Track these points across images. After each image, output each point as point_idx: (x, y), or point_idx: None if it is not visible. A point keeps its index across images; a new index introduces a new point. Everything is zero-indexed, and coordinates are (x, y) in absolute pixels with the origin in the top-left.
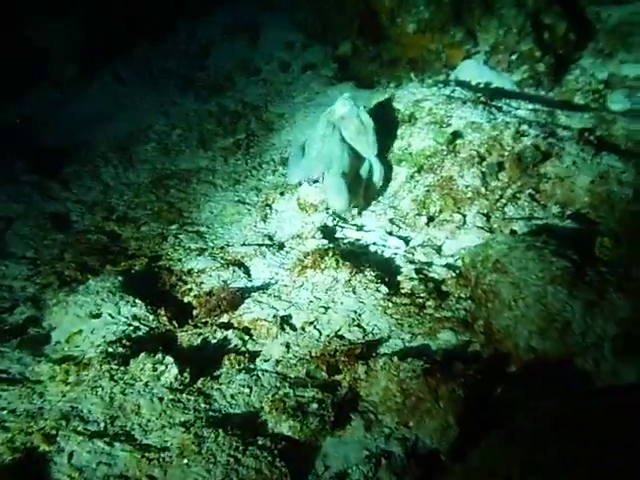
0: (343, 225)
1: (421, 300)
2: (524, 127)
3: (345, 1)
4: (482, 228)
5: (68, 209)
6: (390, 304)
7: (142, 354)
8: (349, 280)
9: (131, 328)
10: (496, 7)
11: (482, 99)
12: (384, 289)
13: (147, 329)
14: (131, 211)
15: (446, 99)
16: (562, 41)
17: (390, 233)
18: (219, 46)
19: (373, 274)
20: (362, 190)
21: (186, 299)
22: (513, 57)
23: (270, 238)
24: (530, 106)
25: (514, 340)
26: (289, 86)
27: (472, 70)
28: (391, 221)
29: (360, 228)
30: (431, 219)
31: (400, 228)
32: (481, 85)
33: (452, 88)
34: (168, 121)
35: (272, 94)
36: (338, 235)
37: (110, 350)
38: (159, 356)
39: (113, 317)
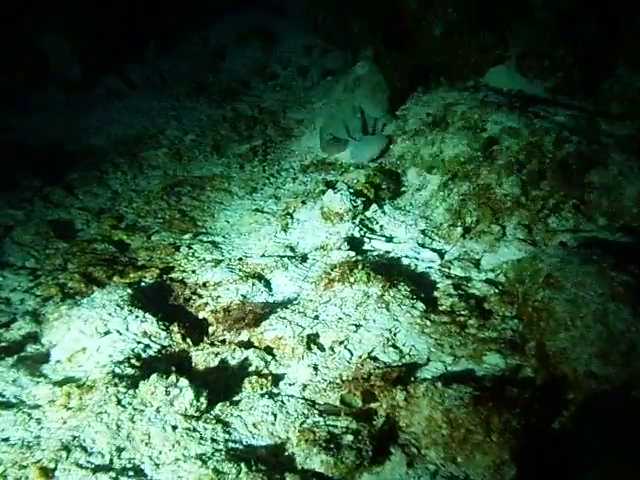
0: (371, 236)
1: (462, 318)
2: (565, 133)
3: (366, 4)
4: (524, 240)
5: (73, 216)
6: (428, 322)
7: (153, 376)
8: (382, 295)
9: (141, 346)
10: (528, 10)
11: (517, 104)
12: (421, 306)
13: (159, 347)
14: (141, 219)
15: (479, 103)
16: (596, 47)
17: (422, 245)
18: (233, 51)
19: (408, 289)
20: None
21: (201, 314)
22: (546, 63)
23: (292, 249)
24: (568, 112)
25: (572, 365)
26: (308, 92)
27: (502, 76)
28: (423, 232)
29: (390, 239)
30: (467, 230)
31: (433, 240)
32: (513, 90)
33: (484, 92)
34: (180, 126)
35: (290, 100)
36: (366, 247)
37: (117, 371)
38: (172, 378)
39: (121, 333)
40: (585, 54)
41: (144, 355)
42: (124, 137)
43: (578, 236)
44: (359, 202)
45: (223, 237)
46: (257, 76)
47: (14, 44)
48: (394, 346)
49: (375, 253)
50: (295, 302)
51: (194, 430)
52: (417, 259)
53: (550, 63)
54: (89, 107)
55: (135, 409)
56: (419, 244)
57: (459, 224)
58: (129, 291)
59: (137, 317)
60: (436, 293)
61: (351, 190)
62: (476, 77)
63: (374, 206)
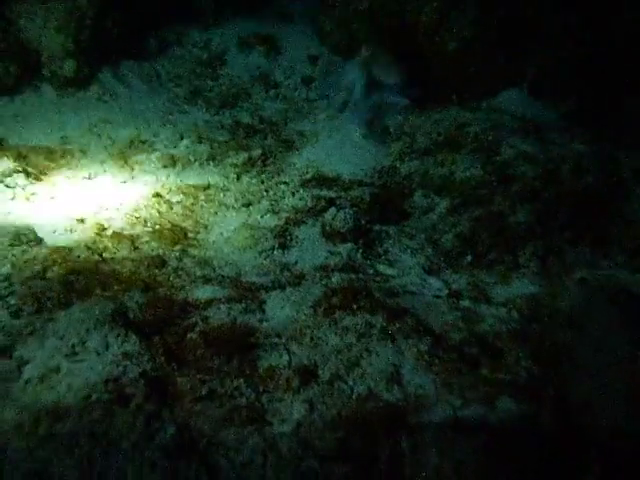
0: (375, 259)
1: (472, 356)
2: (584, 163)
3: (376, 14)
4: (538, 274)
5: (56, 221)
6: (436, 359)
7: (132, 404)
8: (386, 326)
9: (120, 369)
10: (544, 34)
11: (532, 128)
12: (428, 340)
13: (140, 371)
14: (129, 227)
15: (493, 125)
16: (611, 74)
17: (429, 272)
18: (234, 56)
19: (414, 321)
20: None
21: (189, 335)
22: (559, 88)
23: (289, 268)
24: (584, 140)
25: (595, 417)
26: (311, 103)
27: (515, 98)
28: (430, 258)
29: (395, 264)
30: (478, 259)
31: (441, 267)
32: (526, 115)
33: (498, 115)
34: (176, 130)
35: (292, 110)
36: (369, 271)
37: (93, 396)
38: (152, 408)
39: (99, 353)
40: (600, 80)
41: (123, 380)
42: (116, 139)
43: (596, 273)
44: (363, 222)
45: (216, 251)
46: (259, 84)
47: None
48: (399, 383)
49: (379, 278)
50: (292, 328)
51: (175, 470)
52: (424, 287)
53: (564, 88)
54: (82, 106)
55: (110, 443)
56: (426, 271)
57: (469, 252)
58: (111, 306)
59: (118, 336)
60: (444, 327)
61: (355, 208)
62: (488, 98)
63: (379, 227)
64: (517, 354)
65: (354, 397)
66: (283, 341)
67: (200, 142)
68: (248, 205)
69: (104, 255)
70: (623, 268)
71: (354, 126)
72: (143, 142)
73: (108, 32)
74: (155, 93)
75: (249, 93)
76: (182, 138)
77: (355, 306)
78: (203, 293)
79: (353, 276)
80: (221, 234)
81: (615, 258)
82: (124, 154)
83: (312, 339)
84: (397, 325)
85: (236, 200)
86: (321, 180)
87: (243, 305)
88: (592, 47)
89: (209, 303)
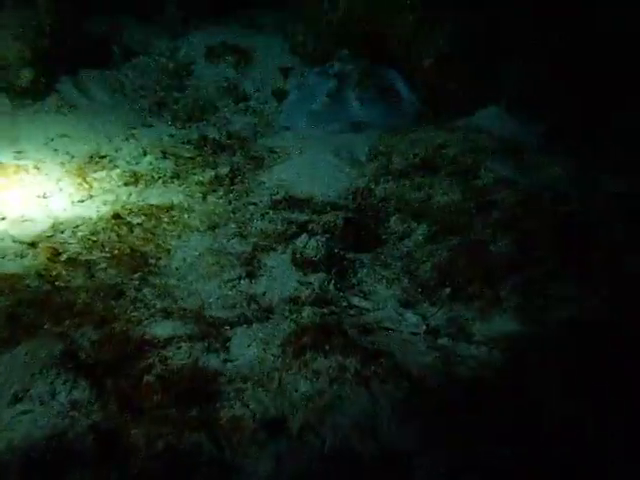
0: (348, 291)
1: (452, 404)
2: (564, 188)
3: (350, 25)
4: (519, 309)
5: (4, 244)
6: (414, 406)
7: (78, 465)
8: (361, 370)
9: (67, 422)
10: (522, 48)
11: (512, 151)
12: (405, 386)
13: (89, 423)
14: (85, 252)
15: (473, 147)
16: (594, 90)
17: (406, 306)
18: (202, 66)
19: (390, 363)
20: None
21: (146, 379)
22: (538, 106)
23: (257, 300)
24: (565, 163)
25: None
26: (283, 115)
27: (493, 116)
28: (406, 290)
29: (369, 296)
30: (456, 292)
31: (418, 300)
32: (505, 134)
33: (477, 135)
34: (139, 145)
35: (262, 124)
36: (342, 303)
37: (33, 456)
38: (101, 469)
39: (44, 403)
40: (581, 97)
41: (71, 434)
42: (74, 154)
43: (579, 310)
44: (336, 250)
45: (178, 280)
46: (227, 96)
47: None
48: (374, 436)
49: (353, 312)
50: (258, 371)
51: None
52: (400, 323)
53: (544, 107)
54: (38, 118)
55: None
56: (402, 304)
57: (447, 284)
58: (60, 346)
59: (67, 381)
60: (422, 369)
61: (328, 235)
62: (466, 116)
63: (352, 254)
64: (500, 402)
65: (326, 451)
66: (249, 386)
67: (164, 158)
68: (214, 228)
69: (57, 283)
70: (606, 303)
71: (326, 144)
72: (103, 157)
73: (69, 40)
74: (118, 105)
75: (217, 106)
76: (145, 154)
77: (327, 346)
78: (163, 329)
79: (325, 310)
80: (184, 260)
81: (599, 291)
82: (83, 171)
83: (280, 384)
84: (372, 368)
85: (201, 222)
86: (292, 201)
87: (206, 344)
88: (572, 63)
89: (169, 341)
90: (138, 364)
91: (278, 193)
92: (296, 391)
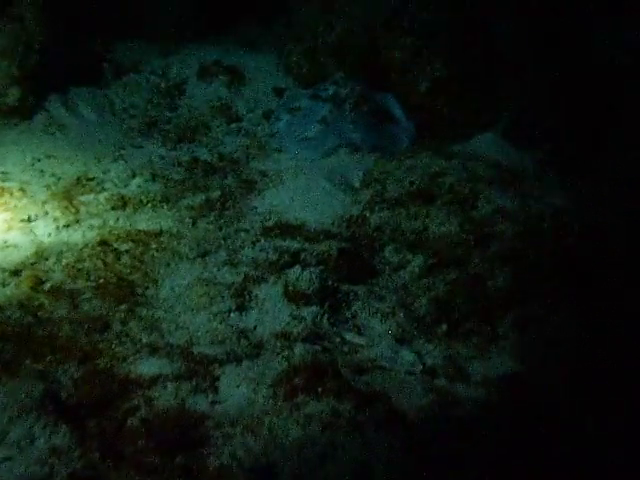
0: (342, 325)
1: (450, 451)
2: (565, 219)
3: (346, 47)
4: (518, 347)
5: None
6: (409, 456)
7: None
8: (355, 415)
9: (46, 470)
10: (520, 75)
11: (510, 179)
12: (401, 433)
13: (69, 472)
14: (70, 280)
15: (470, 176)
16: (590, 119)
17: (401, 342)
18: (195, 86)
19: (386, 407)
20: None
21: (129, 422)
22: (536, 133)
23: (247, 335)
24: (562, 192)
25: None
26: (275, 139)
27: (489, 143)
28: (401, 326)
29: (363, 332)
30: (453, 328)
31: (413, 336)
32: (502, 161)
33: (475, 163)
34: (128, 167)
35: (254, 146)
36: (336, 339)
37: None
38: None
39: (22, 449)
40: (578, 125)
41: None
42: (61, 176)
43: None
44: (330, 282)
45: (165, 311)
46: (219, 116)
47: None
48: None
49: (346, 349)
50: (248, 414)
51: None
52: (395, 361)
53: (540, 133)
54: (25, 138)
55: None
56: (397, 340)
57: (444, 319)
58: (41, 387)
59: (47, 426)
60: (419, 414)
61: (321, 267)
62: (462, 142)
63: (347, 287)
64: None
65: None
66: (237, 432)
67: (154, 181)
68: (204, 255)
69: (39, 315)
70: (607, 342)
71: (320, 168)
72: (91, 180)
73: (59, 57)
74: (107, 124)
75: (209, 126)
76: (134, 176)
77: (320, 389)
78: (149, 367)
79: (318, 347)
80: (173, 290)
81: (599, 329)
82: (69, 194)
83: (271, 430)
84: (367, 413)
85: (191, 249)
86: (284, 228)
87: (193, 383)
88: (570, 90)
89: (155, 380)
90: (122, 405)
91: (270, 219)
92: (287, 438)
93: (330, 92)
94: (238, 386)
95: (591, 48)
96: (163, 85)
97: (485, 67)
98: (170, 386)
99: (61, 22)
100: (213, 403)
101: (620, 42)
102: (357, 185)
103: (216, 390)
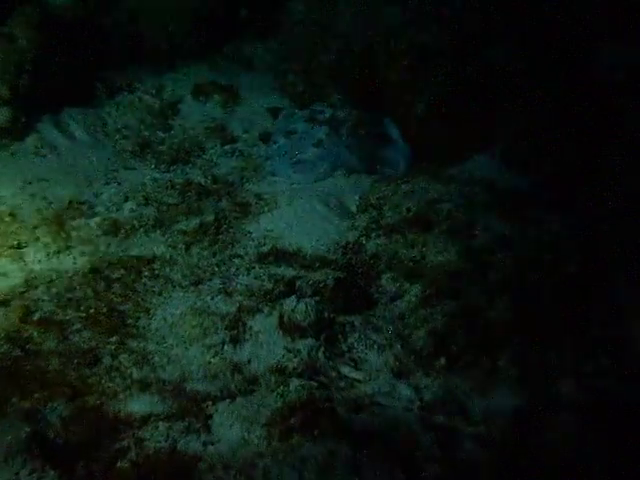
0: (337, 359)
1: None
2: (565, 248)
3: (342, 67)
4: (518, 381)
5: None
6: None
7: None
8: (354, 457)
9: None
10: (518, 95)
11: (508, 204)
12: (401, 477)
13: None
14: (59, 311)
15: (468, 202)
16: (591, 141)
17: (399, 376)
18: (189, 105)
19: (384, 448)
20: None
21: (119, 465)
22: (534, 155)
23: (241, 370)
24: (563, 219)
25: None
26: (271, 162)
27: (486, 165)
28: (399, 359)
29: (360, 364)
30: (452, 361)
31: (410, 370)
32: (499, 184)
33: (472, 188)
34: (120, 190)
35: (249, 169)
36: (332, 374)
37: None
38: None
39: None
40: (579, 147)
41: None
42: (52, 200)
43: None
44: (326, 314)
45: (157, 344)
46: (214, 137)
47: None
48: None
49: (343, 384)
50: (241, 456)
51: None
52: (392, 397)
53: (538, 156)
54: (16, 160)
55: None
56: (394, 374)
57: (442, 352)
58: (27, 429)
59: (34, 472)
60: (418, 454)
61: (317, 298)
62: (458, 164)
63: (342, 317)
64: None
65: None
66: (231, 476)
67: (147, 204)
68: (197, 283)
69: (27, 347)
70: (611, 375)
71: (315, 192)
72: (83, 204)
73: (51, 77)
74: (100, 145)
75: (203, 147)
76: (127, 199)
77: (316, 430)
78: (139, 406)
79: (314, 383)
80: (165, 320)
81: (599, 360)
82: (60, 218)
83: (265, 474)
84: (364, 454)
85: (184, 276)
86: (280, 254)
87: (185, 423)
88: (567, 112)
89: (145, 420)
90: (112, 446)
91: (265, 244)
92: None
93: (327, 115)
94: (231, 426)
95: (589, 69)
96: (157, 105)
97: (482, 89)
98: (162, 426)
99: (53, 41)
100: (205, 444)
101: (619, 61)
102: (353, 210)
103: (209, 430)
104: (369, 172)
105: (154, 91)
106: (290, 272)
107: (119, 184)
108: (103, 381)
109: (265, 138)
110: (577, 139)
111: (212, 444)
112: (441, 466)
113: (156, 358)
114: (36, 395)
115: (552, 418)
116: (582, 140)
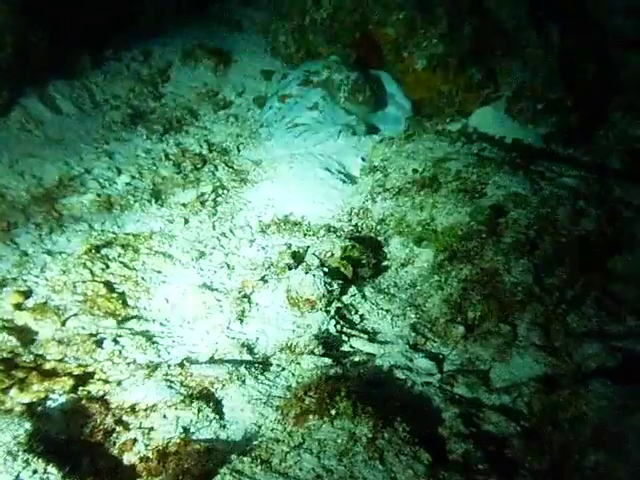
0: (350, 331)
1: (481, 477)
2: (581, 204)
3: (336, 25)
4: (541, 347)
5: None
6: None
7: None
8: (373, 439)
9: None
10: (520, 45)
11: (518, 160)
12: (426, 457)
13: None
14: (55, 295)
15: (477, 160)
16: (593, 89)
17: (415, 347)
18: (179, 71)
19: (407, 429)
20: None
21: (127, 458)
22: (539, 106)
23: (250, 349)
24: (574, 172)
25: None
26: (267, 127)
27: (490, 118)
28: (414, 328)
29: (373, 337)
30: (470, 329)
31: (427, 339)
32: (506, 139)
33: (480, 145)
34: (112, 164)
35: (245, 134)
36: (344, 348)
37: None
38: None
39: None
40: (582, 97)
41: None
42: (42, 177)
43: (605, 345)
44: (335, 285)
45: (161, 324)
46: (207, 103)
47: None
48: None
49: (357, 359)
50: (256, 443)
51: None
52: (410, 370)
53: (545, 106)
54: (1, 137)
55: None
56: (411, 346)
57: (459, 319)
58: (27, 426)
59: (35, 472)
60: (441, 430)
61: (325, 269)
62: (460, 118)
63: (353, 289)
64: (532, 469)
65: None
66: (246, 466)
67: (141, 177)
68: (198, 258)
69: (23, 336)
70: (635, 334)
71: (315, 157)
72: (74, 180)
73: (33, 49)
74: (88, 118)
75: (196, 114)
76: (120, 173)
77: (333, 411)
78: (145, 393)
79: (327, 360)
80: (167, 300)
81: (624, 320)
82: (51, 196)
83: (282, 461)
84: (386, 435)
85: (184, 252)
86: (282, 224)
87: (195, 409)
88: (574, 60)
89: (152, 408)
90: (118, 438)
91: (266, 214)
92: (300, 470)
93: (323, 77)
94: (242, 410)
95: (590, 16)
96: (145, 72)
97: (484, 40)
98: (170, 415)
99: (35, 13)
100: (217, 432)
101: (617, 5)
102: (356, 173)
103: (219, 416)
104: (369, 132)
105: (142, 58)
106: (294, 242)
107: (111, 157)
108: (105, 368)
109: (259, 102)
110: (580, 88)
111: (224, 431)
112: (468, 443)
113: (160, 341)
114: (35, 388)
115: (582, 386)
116: (585, 88)
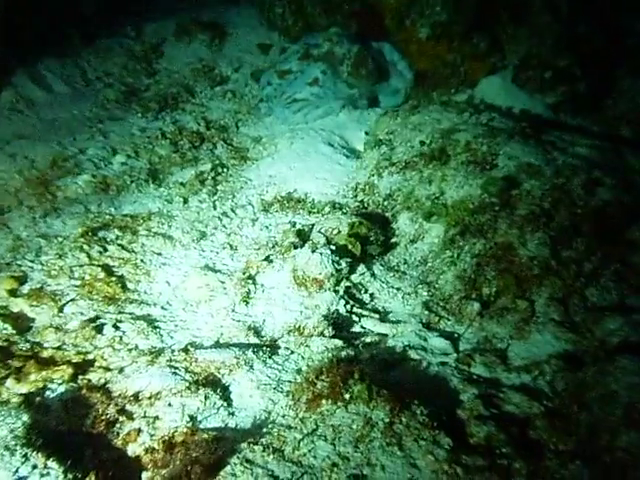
0: (360, 311)
1: (505, 461)
2: (596, 173)
3: None
4: (560, 323)
5: None
6: (459, 470)
7: None
8: (390, 424)
9: None
10: (527, 13)
11: (530, 131)
12: (446, 441)
13: None
14: (51, 280)
15: (486, 131)
16: (601, 57)
17: (428, 326)
18: (173, 46)
19: (425, 412)
20: None
21: (131, 450)
22: (547, 75)
23: (256, 332)
24: (587, 141)
25: None
26: (266, 102)
27: (497, 88)
28: (427, 306)
29: (385, 316)
30: (485, 306)
31: (441, 317)
32: (514, 109)
33: (489, 114)
34: (107, 143)
35: (244, 111)
36: (355, 329)
37: None
38: None
39: None
40: (590, 65)
41: None
42: (34, 159)
43: (626, 319)
44: (343, 264)
45: (162, 308)
46: (202, 79)
47: None
48: None
49: (369, 340)
50: (266, 430)
51: None
52: (425, 350)
53: (552, 75)
54: None
55: None
56: (424, 324)
57: (474, 296)
58: (25, 419)
59: (35, 467)
60: (461, 412)
61: (332, 247)
62: (466, 89)
63: (361, 267)
64: (558, 450)
65: None
66: (257, 455)
67: (137, 157)
68: (199, 239)
69: (19, 324)
70: None
71: (317, 131)
72: (67, 160)
73: (22, 27)
74: (81, 96)
75: (192, 91)
76: (115, 153)
77: (347, 395)
78: (148, 380)
79: (337, 342)
80: (168, 283)
81: None
82: (44, 178)
83: (295, 449)
84: (404, 420)
85: (184, 233)
86: (285, 201)
87: (201, 397)
88: (582, 27)
89: (156, 396)
90: (122, 428)
91: (268, 192)
92: (314, 457)
93: (323, 50)
94: (251, 396)
95: None
96: (138, 48)
97: (489, 7)
98: (175, 403)
99: None
100: (225, 419)
101: None
102: (360, 147)
103: (227, 403)
104: (372, 104)
105: (134, 34)
106: (299, 220)
107: (105, 137)
108: (107, 354)
109: (257, 76)
110: (588, 56)
111: (232, 418)
112: (489, 425)
113: (162, 326)
114: (32, 378)
115: (608, 362)
116: (592, 61)
